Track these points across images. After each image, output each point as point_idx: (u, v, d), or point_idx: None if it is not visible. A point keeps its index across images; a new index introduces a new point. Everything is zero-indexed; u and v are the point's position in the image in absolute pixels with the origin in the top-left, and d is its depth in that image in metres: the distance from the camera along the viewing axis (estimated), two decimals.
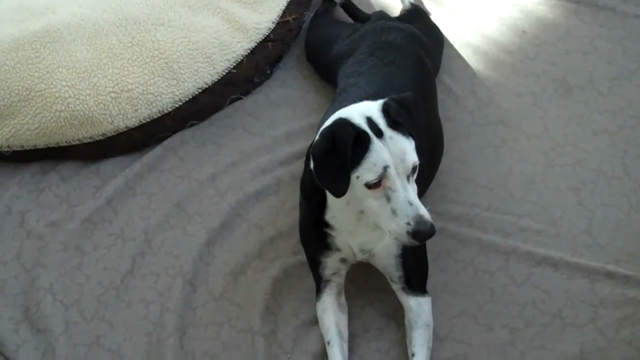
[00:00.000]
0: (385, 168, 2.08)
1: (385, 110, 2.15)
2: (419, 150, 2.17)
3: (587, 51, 3.18)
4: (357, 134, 2.10)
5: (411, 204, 2.09)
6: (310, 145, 2.20)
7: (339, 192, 2.14)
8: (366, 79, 2.67)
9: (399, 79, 2.65)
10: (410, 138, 2.15)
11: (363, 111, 2.17)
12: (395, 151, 2.10)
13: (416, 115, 2.21)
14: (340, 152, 2.09)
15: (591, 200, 2.72)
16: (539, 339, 2.40)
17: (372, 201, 2.13)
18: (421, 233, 2.09)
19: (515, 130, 2.95)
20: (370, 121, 2.13)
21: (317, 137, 2.21)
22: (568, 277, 2.53)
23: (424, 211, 2.10)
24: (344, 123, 2.15)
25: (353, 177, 2.11)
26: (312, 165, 2.19)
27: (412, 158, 2.12)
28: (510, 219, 2.69)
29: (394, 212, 2.10)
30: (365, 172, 2.09)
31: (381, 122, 2.13)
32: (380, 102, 2.19)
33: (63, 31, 2.95)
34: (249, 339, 2.47)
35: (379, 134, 2.11)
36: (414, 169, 2.13)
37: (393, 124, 2.13)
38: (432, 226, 2.09)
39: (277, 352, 2.43)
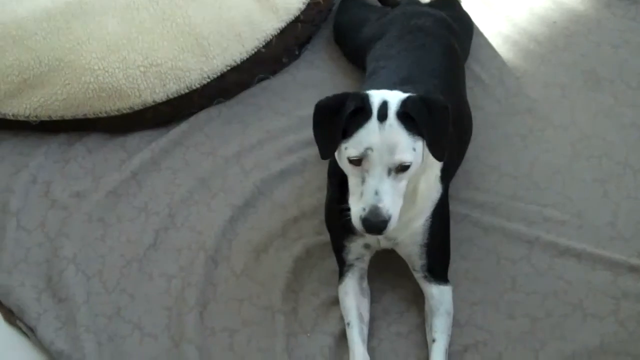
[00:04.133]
0: (367, 149, 2.05)
1: (404, 103, 2.11)
2: (434, 151, 2.11)
3: (618, 44, 3.14)
4: (361, 108, 2.08)
5: (376, 194, 2.06)
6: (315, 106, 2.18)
7: (324, 154, 2.14)
8: (396, 63, 2.63)
9: (428, 63, 2.62)
10: (417, 139, 2.10)
11: (386, 95, 2.13)
12: (387, 140, 2.06)
13: (440, 119, 2.12)
14: (338, 114, 2.07)
15: (616, 193, 2.68)
16: (560, 329, 2.37)
17: (352, 177, 2.12)
18: (369, 222, 2.06)
19: (543, 120, 2.91)
20: (383, 104, 2.09)
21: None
22: (591, 268, 2.49)
23: (384, 205, 2.05)
24: (359, 94, 2.13)
25: (342, 146, 2.10)
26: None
27: (403, 155, 2.07)
28: (535, 208, 2.65)
29: (361, 194, 2.08)
30: (351, 147, 2.08)
31: (392, 109, 2.09)
32: (407, 94, 2.15)
33: (95, 3, 2.93)
34: (269, 316, 2.45)
35: (382, 118, 2.07)
36: (402, 167, 2.08)
37: (403, 116, 2.08)
38: (383, 222, 2.05)
39: (296, 330, 2.41)
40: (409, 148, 2.08)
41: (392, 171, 2.07)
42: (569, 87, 3.01)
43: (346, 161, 2.10)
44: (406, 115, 2.08)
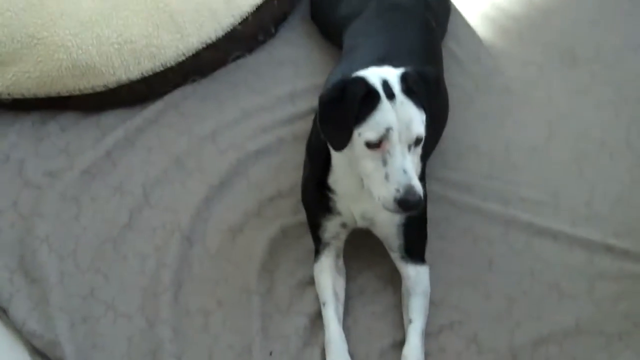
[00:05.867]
0: (388, 130, 2.03)
1: (404, 78, 2.09)
2: (428, 124, 2.11)
3: (595, 21, 3.11)
4: (368, 91, 2.05)
5: (405, 172, 2.03)
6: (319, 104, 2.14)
7: (339, 145, 2.10)
8: (374, 40, 2.62)
9: (406, 42, 2.60)
10: (422, 110, 2.09)
11: (381, 74, 2.11)
12: (403, 117, 2.04)
13: (434, 91, 2.16)
14: (348, 104, 2.04)
15: (593, 173, 2.68)
16: (536, 309, 2.37)
17: (369, 162, 2.08)
18: (407, 202, 2.03)
19: (519, 99, 2.89)
20: (385, 84, 2.07)
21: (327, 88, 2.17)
22: (567, 248, 2.50)
23: (416, 182, 2.04)
24: (358, 78, 2.10)
25: (355, 133, 2.06)
26: (317, 113, 2.15)
27: (419, 129, 2.07)
28: (511, 188, 2.64)
29: (386, 176, 2.05)
30: (368, 130, 2.04)
31: (396, 87, 2.07)
32: (401, 69, 2.13)
33: None
34: (244, 297, 2.43)
35: (391, 97, 2.05)
36: (417, 140, 2.08)
37: (408, 92, 2.07)
38: (420, 198, 2.03)
39: (272, 310, 2.40)
40: (421, 120, 2.08)
41: (411, 147, 2.06)
42: (546, 65, 2.99)
43: (362, 146, 2.07)
44: (410, 90, 2.07)
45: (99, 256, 2.53)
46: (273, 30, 3.10)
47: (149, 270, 2.49)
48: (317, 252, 2.42)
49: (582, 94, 2.88)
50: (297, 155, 2.63)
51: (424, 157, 2.37)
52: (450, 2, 3.15)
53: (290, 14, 3.17)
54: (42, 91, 2.82)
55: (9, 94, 2.83)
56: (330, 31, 3.02)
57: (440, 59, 2.80)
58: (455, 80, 2.91)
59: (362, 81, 2.08)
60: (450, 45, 3.04)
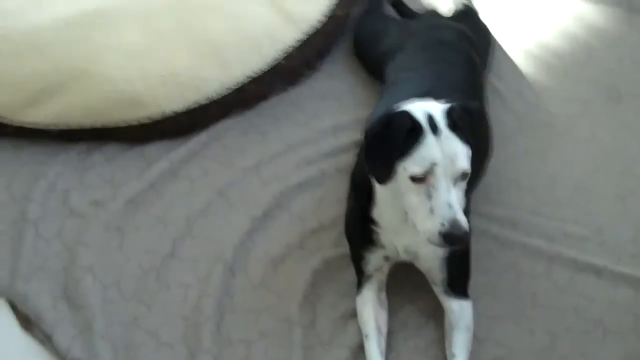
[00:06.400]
0: (433, 165, 2.07)
1: (449, 112, 2.13)
2: (473, 161, 2.15)
3: (639, 59, 3.15)
4: (413, 125, 2.09)
5: (450, 207, 2.06)
6: (364, 137, 2.19)
7: (383, 179, 2.14)
8: (418, 74, 2.67)
9: (450, 76, 2.65)
10: (467, 145, 2.12)
11: (426, 108, 2.15)
12: (448, 152, 2.08)
13: (478, 126, 2.20)
14: (393, 137, 2.08)
15: (638, 209, 2.70)
16: (580, 345, 2.38)
17: (414, 196, 2.11)
18: (453, 236, 2.05)
19: (563, 134, 2.93)
20: (430, 118, 2.11)
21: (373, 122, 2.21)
22: (612, 285, 2.51)
23: (461, 216, 2.07)
24: (403, 112, 2.14)
25: (400, 167, 2.10)
26: (362, 147, 2.18)
27: (464, 164, 2.10)
28: (555, 224, 2.67)
29: (432, 210, 2.08)
30: (413, 165, 2.08)
31: (441, 122, 2.10)
32: (446, 104, 2.17)
33: (115, 13, 2.96)
34: (286, 328, 2.46)
35: (436, 131, 2.09)
36: (463, 175, 2.11)
37: (453, 126, 2.11)
38: (465, 233, 2.06)
39: (314, 342, 2.43)
40: (466, 156, 2.11)
41: (456, 181, 2.10)
42: (590, 101, 3.02)
43: (407, 180, 2.10)
44: (454, 125, 2.11)
45: (142, 285, 2.57)
46: (316, 65, 3.17)
47: (191, 300, 2.53)
48: (360, 285, 2.44)
49: (626, 130, 2.92)
50: (339, 188, 2.68)
51: (468, 192, 2.39)
52: (492, 37, 3.21)
53: (333, 49, 3.23)
54: (88, 122, 2.89)
55: (55, 125, 2.90)
56: (373, 65, 3.07)
57: (483, 94, 2.84)
58: (497, 115, 2.95)
59: (407, 115, 2.11)
60: (493, 81, 3.09)
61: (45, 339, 2.48)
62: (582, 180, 2.79)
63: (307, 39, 3.09)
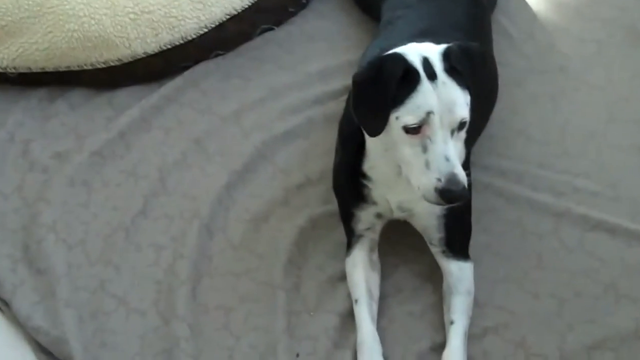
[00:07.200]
0: (429, 114, 2.02)
1: (447, 55, 2.08)
2: (473, 107, 2.10)
3: None
4: (406, 70, 2.03)
5: (447, 160, 2.02)
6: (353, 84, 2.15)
7: (374, 130, 2.10)
8: (416, 12, 2.63)
9: (451, 14, 2.60)
10: (467, 91, 2.07)
11: (422, 50, 2.09)
12: (445, 99, 2.03)
13: (480, 69, 2.14)
14: (385, 84, 2.03)
15: None
16: (590, 311, 2.35)
17: (408, 148, 2.07)
18: (450, 192, 2.02)
19: (576, 79, 2.89)
20: (426, 61, 2.05)
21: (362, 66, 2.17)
22: (626, 244, 2.47)
23: (459, 170, 2.03)
24: (396, 56, 2.08)
25: (392, 116, 2.05)
26: (351, 95, 2.14)
27: (462, 112, 2.05)
28: (565, 177, 2.63)
29: (427, 164, 2.04)
30: (406, 114, 2.03)
31: (438, 65, 2.05)
32: (444, 45, 2.11)
33: None
34: (268, 292, 2.43)
35: (432, 76, 2.04)
36: (461, 124, 2.06)
37: (451, 71, 2.06)
38: (464, 188, 2.02)
39: (299, 308, 2.40)
40: (465, 102, 2.06)
41: (454, 132, 2.05)
42: (606, 43, 2.99)
43: (400, 131, 2.06)
44: (453, 69, 2.06)
45: (110, 246, 2.54)
46: (304, 1, 3.13)
47: (164, 262, 2.50)
48: (350, 245, 2.41)
49: None
50: (328, 139, 2.62)
51: (469, 143, 2.36)
52: None
53: None
54: (51, 65, 2.86)
55: (14, 68, 2.87)
56: (367, 2, 3.04)
57: (489, 34, 2.80)
58: (505, 58, 2.92)
59: (401, 59, 2.06)
60: (501, 20, 3.05)
61: (3, 305, 2.45)
62: (595, 130, 2.75)
63: None
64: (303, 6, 3.12)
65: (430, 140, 2.03)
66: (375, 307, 2.35)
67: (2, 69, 2.86)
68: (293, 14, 3.10)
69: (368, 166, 2.29)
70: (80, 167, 2.70)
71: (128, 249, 2.54)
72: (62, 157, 2.73)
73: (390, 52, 2.13)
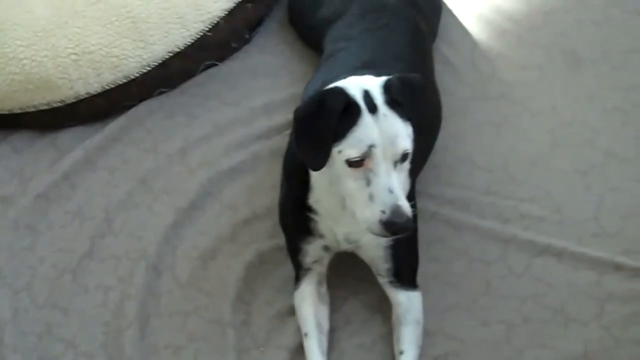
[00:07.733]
0: (371, 147, 2.04)
1: (387, 87, 2.10)
2: (416, 138, 2.12)
3: (600, 21, 3.13)
4: (347, 104, 2.05)
5: (391, 192, 2.04)
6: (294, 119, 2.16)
7: (316, 165, 2.11)
8: (357, 44, 2.65)
9: (393, 45, 2.63)
10: (408, 122, 2.10)
11: (362, 84, 2.12)
12: (387, 132, 2.05)
13: (421, 100, 2.16)
14: (326, 119, 2.05)
15: (600, 185, 2.69)
16: (539, 336, 2.38)
17: (351, 182, 2.09)
18: (395, 224, 2.03)
19: (519, 106, 2.92)
20: (366, 94, 2.08)
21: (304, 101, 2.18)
22: (572, 268, 2.50)
23: (403, 202, 2.05)
24: (336, 90, 2.11)
25: (335, 150, 2.07)
26: (292, 130, 2.16)
27: (404, 144, 2.07)
28: (511, 203, 2.66)
29: (371, 197, 2.06)
30: (348, 148, 2.05)
31: (378, 98, 2.08)
32: (384, 78, 2.14)
33: None
34: (218, 330, 2.44)
35: (373, 109, 2.06)
36: (404, 156, 2.08)
37: (392, 103, 2.08)
38: (408, 219, 2.04)
39: (249, 345, 2.41)
40: (406, 134, 2.08)
41: (397, 163, 2.07)
42: (548, 69, 3.01)
43: (343, 165, 2.07)
44: (393, 101, 2.08)
45: (57, 289, 2.54)
46: (247, 37, 3.14)
47: (112, 304, 2.51)
48: (298, 279, 2.43)
49: (587, 100, 2.91)
50: (274, 173, 2.64)
51: (414, 173, 2.38)
52: (441, 1, 3.19)
53: (265, 18, 3.21)
54: None
55: None
56: (309, 36, 3.05)
57: (431, 64, 2.83)
58: (448, 87, 2.93)
59: (342, 93, 2.08)
60: (443, 49, 3.07)
61: None
62: (539, 156, 2.78)
63: (235, 7, 3.06)
64: (246, 41, 3.13)
65: (373, 173, 2.05)
66: (325, 340, 2.36)
67: None
68: (236, 49, 3.10)
69: (313, 199, 2.30)
70: (24, 210, 2.69)
71: (75, 292, 2.54)
72: (7, 201, 2.72)
73: (331, 86, 2.15)
